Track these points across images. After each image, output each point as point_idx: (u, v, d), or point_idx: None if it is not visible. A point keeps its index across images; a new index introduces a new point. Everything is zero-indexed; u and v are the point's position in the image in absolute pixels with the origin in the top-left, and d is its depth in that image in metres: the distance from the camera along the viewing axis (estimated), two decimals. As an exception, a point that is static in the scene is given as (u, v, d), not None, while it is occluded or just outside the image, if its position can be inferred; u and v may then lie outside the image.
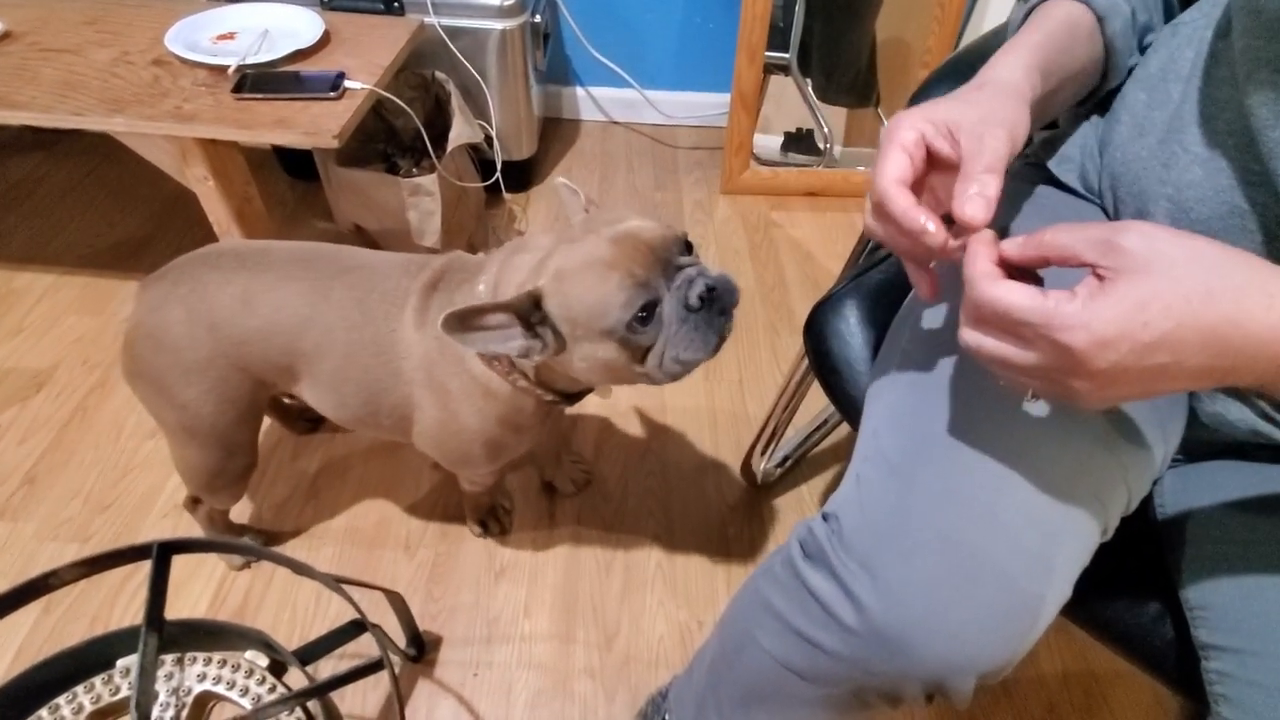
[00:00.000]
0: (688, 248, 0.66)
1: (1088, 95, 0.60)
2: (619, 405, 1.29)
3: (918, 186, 0.46)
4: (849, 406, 0.72)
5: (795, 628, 0.49)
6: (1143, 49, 0.58)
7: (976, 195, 0.41)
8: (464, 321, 0.61)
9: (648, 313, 0.61)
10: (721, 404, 1.31)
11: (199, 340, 0.77)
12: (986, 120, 0.44)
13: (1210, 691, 0.49)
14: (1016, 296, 0.37)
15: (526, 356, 0.65)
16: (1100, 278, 0.36)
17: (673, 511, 1.15)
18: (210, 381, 0.80)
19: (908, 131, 0.44)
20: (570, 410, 0.94)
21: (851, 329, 0.74)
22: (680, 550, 1.10)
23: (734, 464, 1.21)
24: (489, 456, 0.85)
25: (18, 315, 1.37)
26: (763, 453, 1.12)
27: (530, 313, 0.64)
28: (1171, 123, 0.52)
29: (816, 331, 0.76)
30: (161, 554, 0.64)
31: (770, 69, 1.69)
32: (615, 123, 2.02)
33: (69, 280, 1.45)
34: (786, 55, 1.67)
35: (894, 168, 0.44)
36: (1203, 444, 0.57)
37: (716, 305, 0.63)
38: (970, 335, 0.40)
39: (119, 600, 0.99)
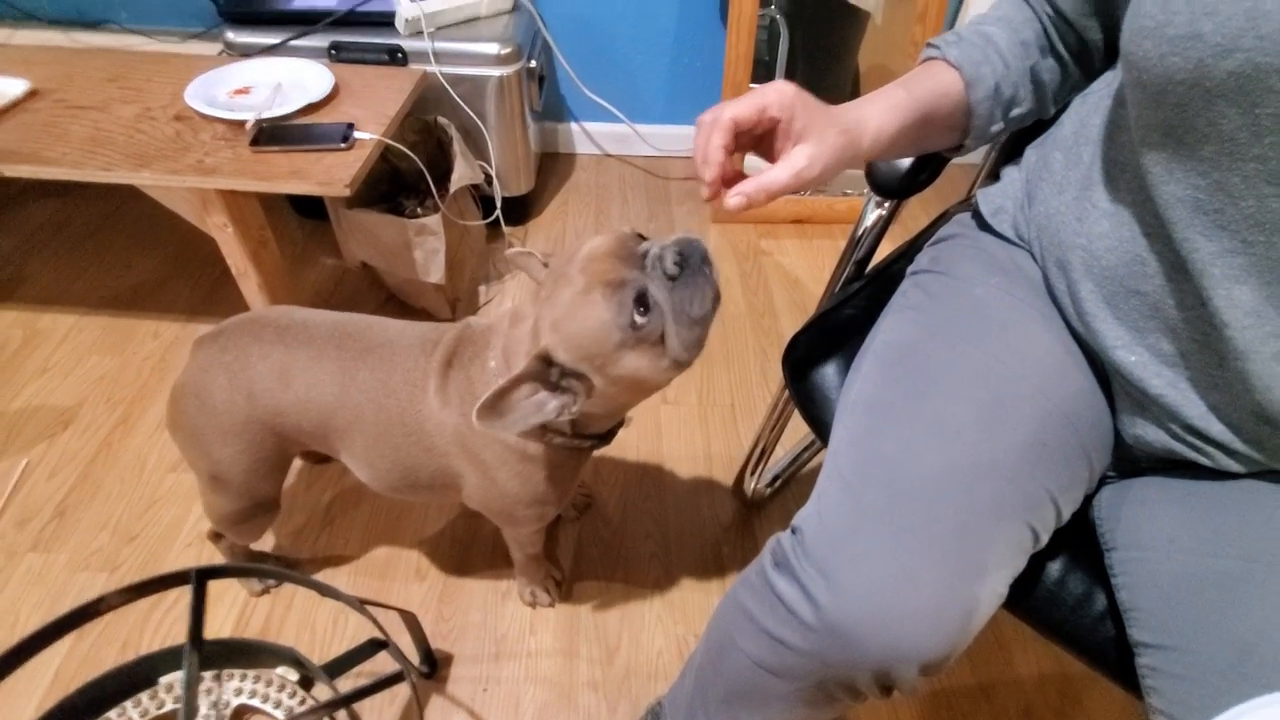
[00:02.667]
0: (641, 238, 0.69)
1: (952, 147, 0.70)
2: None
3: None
4: (824, 431, 0.78)
5: (766, 628, 0.55)
6: (1008, 120, 0.66)
7: (739, 194, 0.55)
8: (494, 408, 0.64)
9: (642, 305, 0.63)
10: (714, 427, 1.37)
11: (237, 406, 0.82)
12: (821, 138, 0.55)
13: (1143, 684, 0.55)
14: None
15: (564, 414, 0.67)
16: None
17: (669, 532, 1.20)
18: (244, 443, 0.85)
19: (774, 96, 0.54)
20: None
21: (825, 359, 0.80)
22: (677, 568, 1.16)
23: (727, 484, 1.27)
24: (536, 515, 0.89)
25: (43, 355, 1.44)
26: (753, 473, 1.18)
27: (547, 372, 0.66)
28: (1083, 181, 0.60)
29: (794, 361, 0.82)
30: (200, 579, 0.70)
31: (756, 102, 1.77)
32: (609, 156, 2.10)
33: (90, 321, 1.51)
34: (772, 89, 1.75)
35: (739, 110, 0.54)
36: (1130, 462, 0.64)
37: (693, 262, 0.65)
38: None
39: (147, 627, 1.05)
